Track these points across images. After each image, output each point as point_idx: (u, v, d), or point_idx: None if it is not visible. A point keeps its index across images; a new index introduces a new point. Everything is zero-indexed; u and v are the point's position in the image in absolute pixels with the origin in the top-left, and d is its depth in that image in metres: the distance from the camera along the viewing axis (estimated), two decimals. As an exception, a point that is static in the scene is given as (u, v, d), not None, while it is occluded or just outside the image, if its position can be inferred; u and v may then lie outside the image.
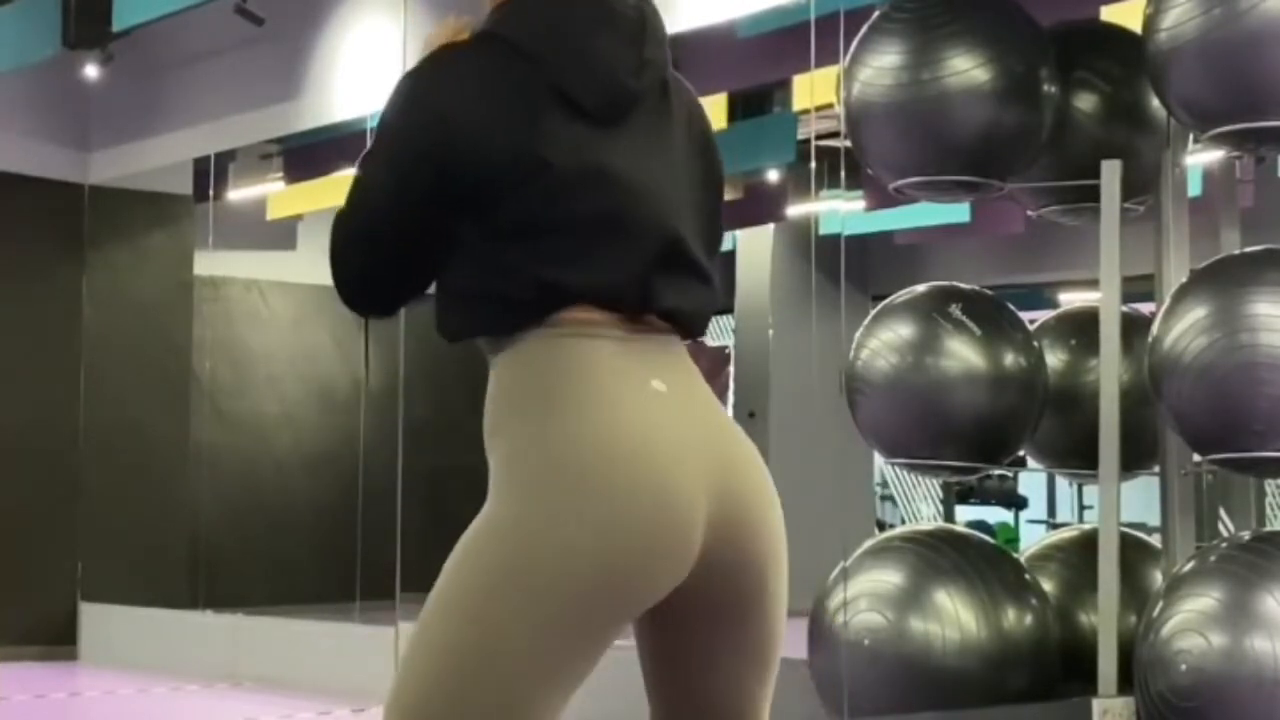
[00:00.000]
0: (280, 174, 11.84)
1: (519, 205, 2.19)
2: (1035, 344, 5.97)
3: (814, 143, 8.01)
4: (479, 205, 2.20)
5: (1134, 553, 5.71)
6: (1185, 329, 5.20)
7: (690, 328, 2.30)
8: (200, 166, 11.24)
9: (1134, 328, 5.65)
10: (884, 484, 16.31)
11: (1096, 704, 5.27)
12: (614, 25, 2.31)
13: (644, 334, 2.23)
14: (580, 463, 2.13)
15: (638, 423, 2.16)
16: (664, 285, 2.25)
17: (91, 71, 10.05)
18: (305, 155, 11.44)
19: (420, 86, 2.27)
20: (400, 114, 2.27)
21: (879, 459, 6.89)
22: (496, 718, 2.13)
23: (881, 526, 13.82)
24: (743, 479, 2.28)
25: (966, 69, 5.59)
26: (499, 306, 2.21)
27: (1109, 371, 5.54)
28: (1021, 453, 6.29)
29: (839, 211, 9.86)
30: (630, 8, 2.35)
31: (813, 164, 8.28)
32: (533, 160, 2.19)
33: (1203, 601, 5.07)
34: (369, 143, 2.35)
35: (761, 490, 2.33)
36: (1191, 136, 5.67)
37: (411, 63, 2.30)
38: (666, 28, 2.46)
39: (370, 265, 2.29)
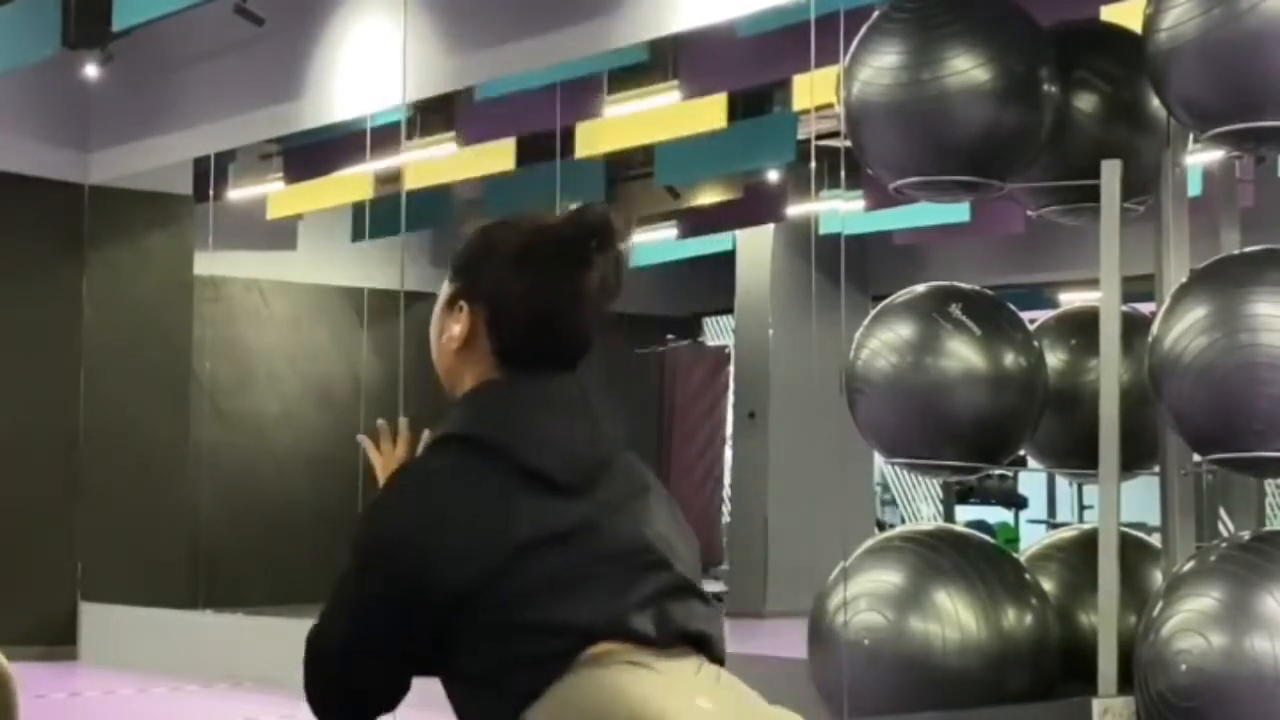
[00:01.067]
0: (280, 174, 11.84)
1: (517, 581, 2.20)
2: (1035, 344, 5.97)
3: (814, 143, 8.01)
4: (478, 601, 2.20)
5: (1134, 553, 5.71)
6: (1185, 329, 5.20)
7: (716, 649, 2.29)
8: (200, 166, 11.24)
9: (1134, 328, 5.65)
10: (884, 484, 16.31)
11: (1096, 704, 5.27)
12: (564, 406, 2.34)
13: (675, 658, 2.22)
14: None
15: None
16: (678, 611, 2.25)
17: (91, 71, 10.06)
18: (305, 155, 11.45)
19: (387, 517, 2.27)
20: (370, 549, 2.27)
21: (879, 459, 6.89)
22: None
23: (881, 526, 13.82)
24: None
25: (966, 69, 5.59)
26: (525, 669, 2.18)
27: (1109, 371, 5.54)
28: (1021, 453, 6.29)
29: (839, 211, 9.86)
30: (569, 387, 2.36)
31: (812, 164, 8.28)
32: (516, 550, 2.20)
33: (1203, 601, 5.07)
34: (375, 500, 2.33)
35: None
36: (1191, 136, 5.67)
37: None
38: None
39: (341, 694, 2.31)
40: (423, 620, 2.22)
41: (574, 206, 2.37)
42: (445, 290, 2.41)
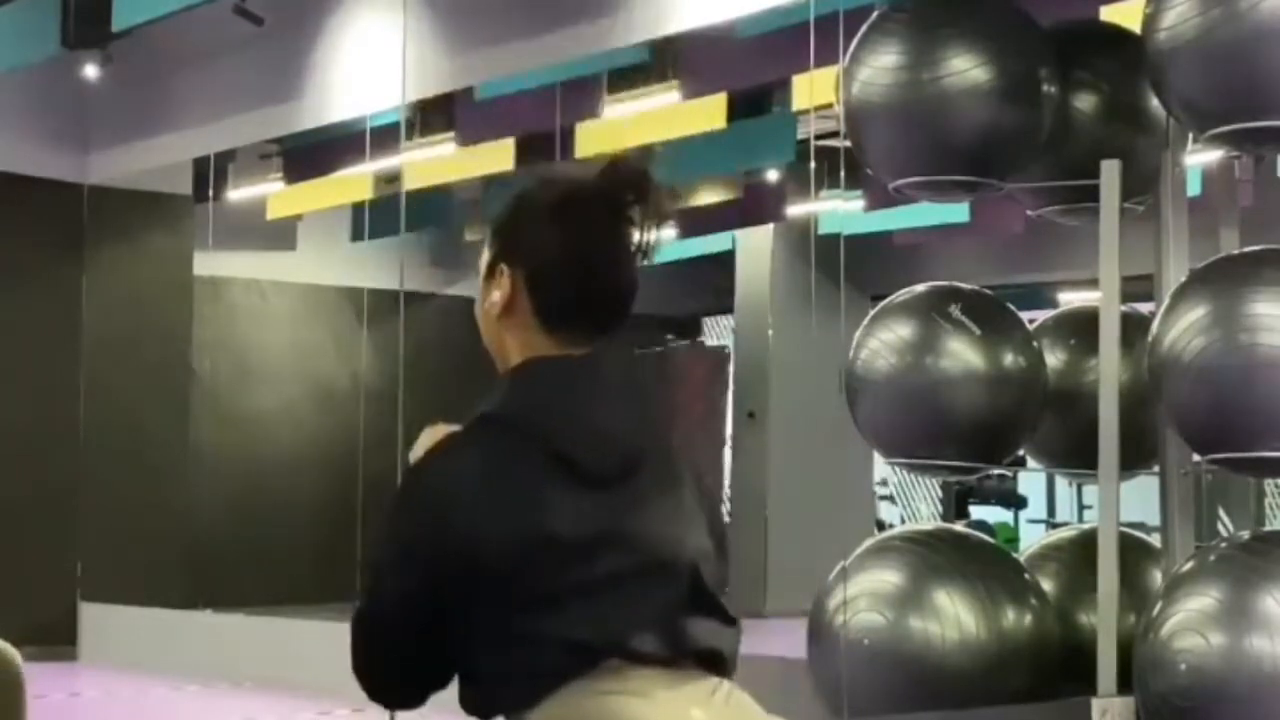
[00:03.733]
0: (280, 174, 11.84)
1: (535, 580, 2.20)
2: (1035, 344, 5.97)
3: (813, 143, 8.01)
4: (493, 588, 2.21)
5: (1134, 553, 5.71)
6: (1185, 329, 5.20)
7: (724, 666, 2.28)
8: (200, 166, 11.24)
9: (1134, 328, 5.65)
10: (884, 483, 16.31)
11: (1096, 704, 5.27)
12: (611, 393, 2.32)
13: (680, 675, 2.22)
14: None
15: None
16: (691, 627, 2.25)
17: (91, 71, 10.06)
18: (305, 155, 11.45)
19: (428, 483, 2.28)
20: (409, 513, 2.27)
21: (879, 459, 6.89)
22: None
23: (881, 526, 13.82)
24: None
25: (966, 69, 5.59)
26: (524, 676, 2.20)
27: (1109, 371, 5.54)
28: (1021, 453, 6.29)
29: (839, 211, 9.87)
30: (621, 373, 2.35)
31: (812, 164, 8.29)
32: (543, 538, 2.20)
33: (1202, 601, 5.07)
34: (386, 523, 2.33)
35: None
36: (1191, 136, 5.67)
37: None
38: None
39: (393, 665, 2.31)
40: (453, 590, 2.21)
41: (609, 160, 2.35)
42: (485, 258, 2.38)
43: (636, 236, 2.33)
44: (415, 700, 2.35)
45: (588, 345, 2.33)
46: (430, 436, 2.33)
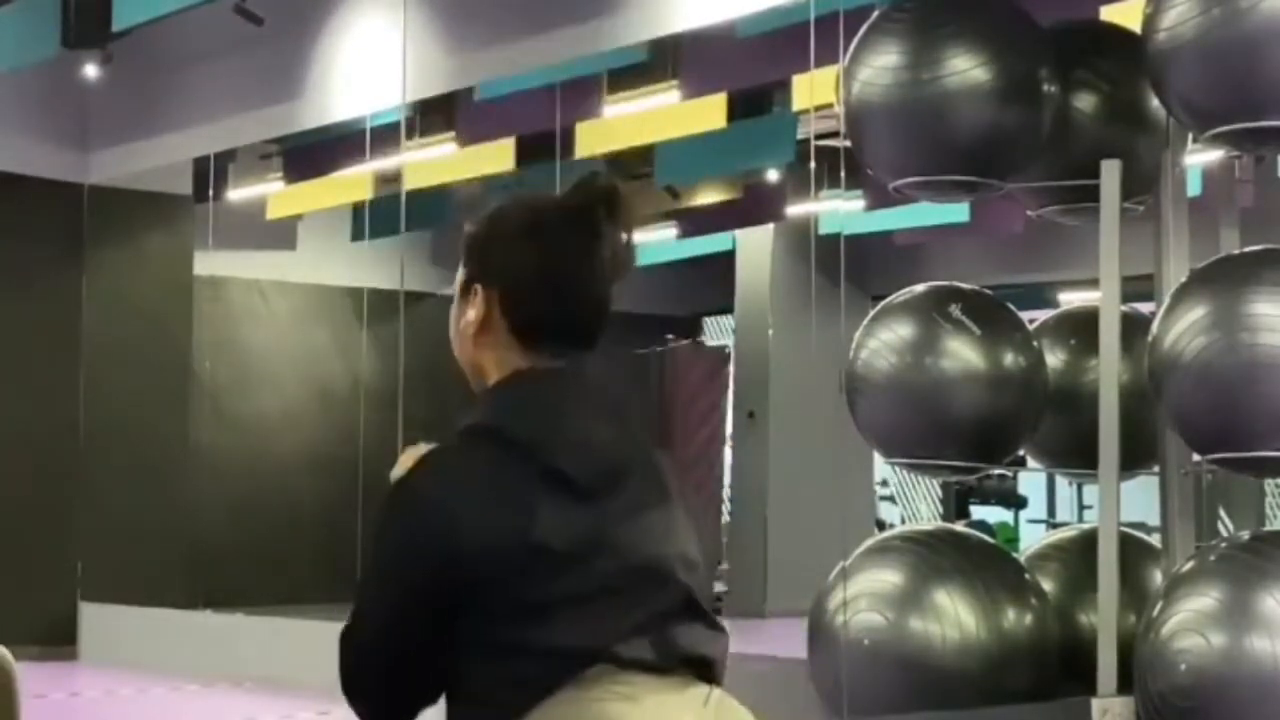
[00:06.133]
0: (280, 174, 11.84)
1: (522, 590, 2.20)
2: (1035, 344, 5.97)
3: (814, 143, 8.01)
4: (480, 599, 2.21)
5: (1134, 553, 5.71)
6: (1185, 329, 5.20)
7: (713, 671, 2.29)
8: (200, 166, 11.24)
9: (1134, 328, 5.65)
10: (884, 483, 16.31)
11: (1096, 704, 5.27)
12: (593, 403, 2.33)
13: (670, 683, 2.22)
14: None
15: None
16: (680, 634, 2.25)
17: (91, 71, 10.05)
18: (305, 155, 11.45)
19: (415, 497, 2.27)
20: (397, 526, 2.27)
21: (879, 459, 6.89)
22: None
23: (881, 526, 13.82)
24: None
25: (966, 69, 5.59)
26: (514, 687, 2.19)
27: (1109, 371, 5.54)
28: (1021, 452, 6.29)
29: (839, 211, 9.86)
30: (600, 386, 2.36)
31: (812, 164, 8.28)
32: (532, 548, 2.20)
33: (1202, 601, 5.07)
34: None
35: None
36: (1191, 136, 5.67)
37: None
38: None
39: (383, 682, 2.30)
40: (443, 602, 2.21)
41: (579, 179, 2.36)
42: (459, 278, 2.39)
43: (609, 250, 2.33)
44: (406, 717, 2.35)
45: (565, 360, 2.34)
46: (411, 456, 2.33)
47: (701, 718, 2.21)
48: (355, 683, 2.31)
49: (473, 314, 2.35)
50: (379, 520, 2.29)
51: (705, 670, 2.27)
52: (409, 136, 9.58)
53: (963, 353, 5.75)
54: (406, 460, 2.32)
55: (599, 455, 2.28)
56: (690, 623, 2.27)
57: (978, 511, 15.10)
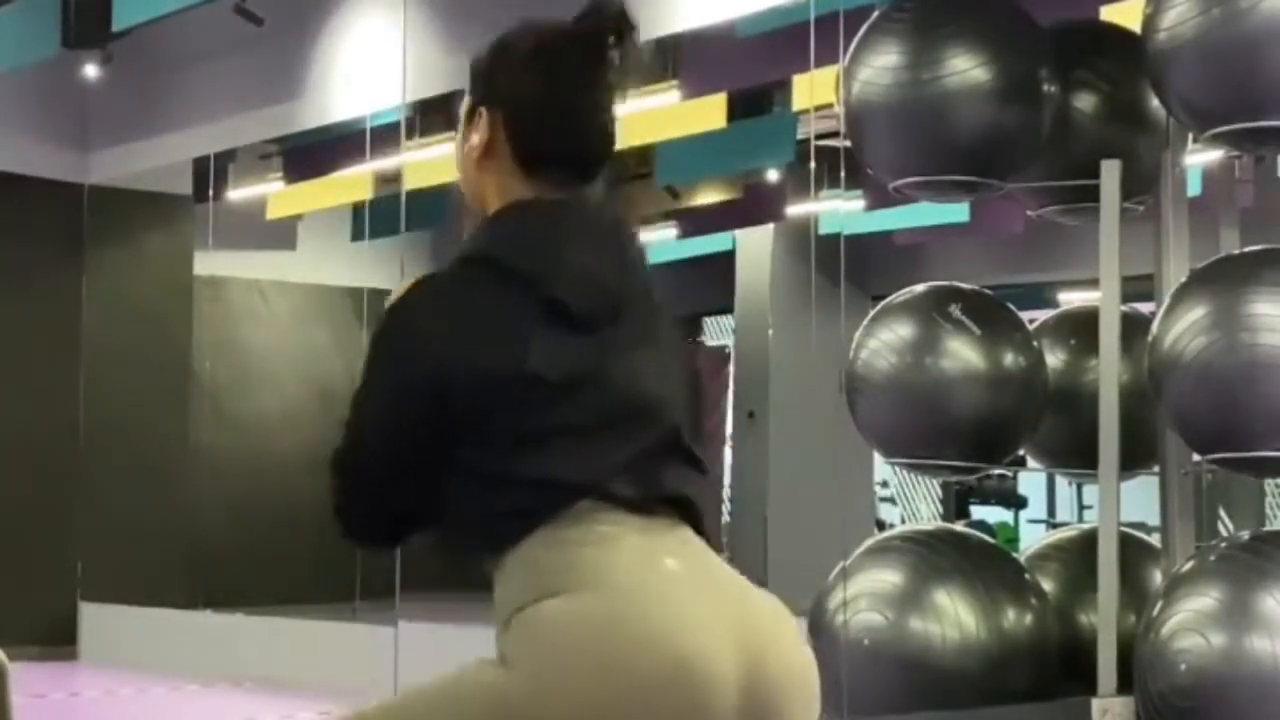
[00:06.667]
0: (280, 174, 11.84)
1: (516, 420, 2.20)
2: (1035, 344, 5.97)
3: (814, 143, 8.01)
4: (473, 425, 2.20)
5: (1134, 553, 5.71)
6: (1185, 329, 5.20)
7: (696, 514, 2.28)
8: (200, 166, 11.24)
9: (1134, 328, 5.65)
10: (885, 484, 16.32)
11: (1096, 704, 5.27)
12: (596, 237, 2.30)
13: (653, 521, 2.22)
14: (600, 649, 2.09)
15: (659, 606, 2.14)
16: (664, 474, 2.24)
17: (91, 71, 10.06)
18: (305, 155, 11.45)
19: (409, 319, 2.26)
20: (390, 348, 2.27)
21: (879, 459, 6.89)
22: None
23: (881, 526, 13.82)
24: (774, 653, 2.23)
25: (966, 69, 5.59)
26: (499, 516, 2.20)
27: (1109, 371, 5.54)
28: (1021, 453, 6.29)
29: (839, 211, 9.86)
30: (608, 220, 2.34)
31: (812, 164, 8.28)
32: (526, 378, 2.19)
33: (1202, 601, 5.07)
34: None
35: (792, 658, 2.27)
36: (1191, 136, 5.67)
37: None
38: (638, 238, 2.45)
39: (371, 500, 2.29)
40: (432, 425, 2.20)
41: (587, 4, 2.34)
42: (465, 104, 2.38)
43: (616, 76, 2.31)
44: (391, 539, 2.34)
45: (568, 191, 2.31)
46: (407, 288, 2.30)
47: (683, 561, 2.20)
48: (343, 499, 2.30)
49: (477, 138, 2.34)
50: (372, 340, 2.28)
51: (688, 510, 2.26)
52: (409, 136, 9.58)
53: (963, 353, 5.75)
54: (403, 291, 2.30)
55: (598, 287, 2.25)
56: (677, 462, 2.26)
57: (978, 511, 15.10)
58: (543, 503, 2.17)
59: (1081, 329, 5.98)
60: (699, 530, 2.28)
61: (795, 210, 12.11)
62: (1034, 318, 6.36)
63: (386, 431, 2.26)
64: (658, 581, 2.16)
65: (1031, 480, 14.86)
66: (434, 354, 2.21)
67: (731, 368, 14.59)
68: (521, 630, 2.13)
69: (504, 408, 2.19)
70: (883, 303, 6.05)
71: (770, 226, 13.49)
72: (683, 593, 2.17)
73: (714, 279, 14.63)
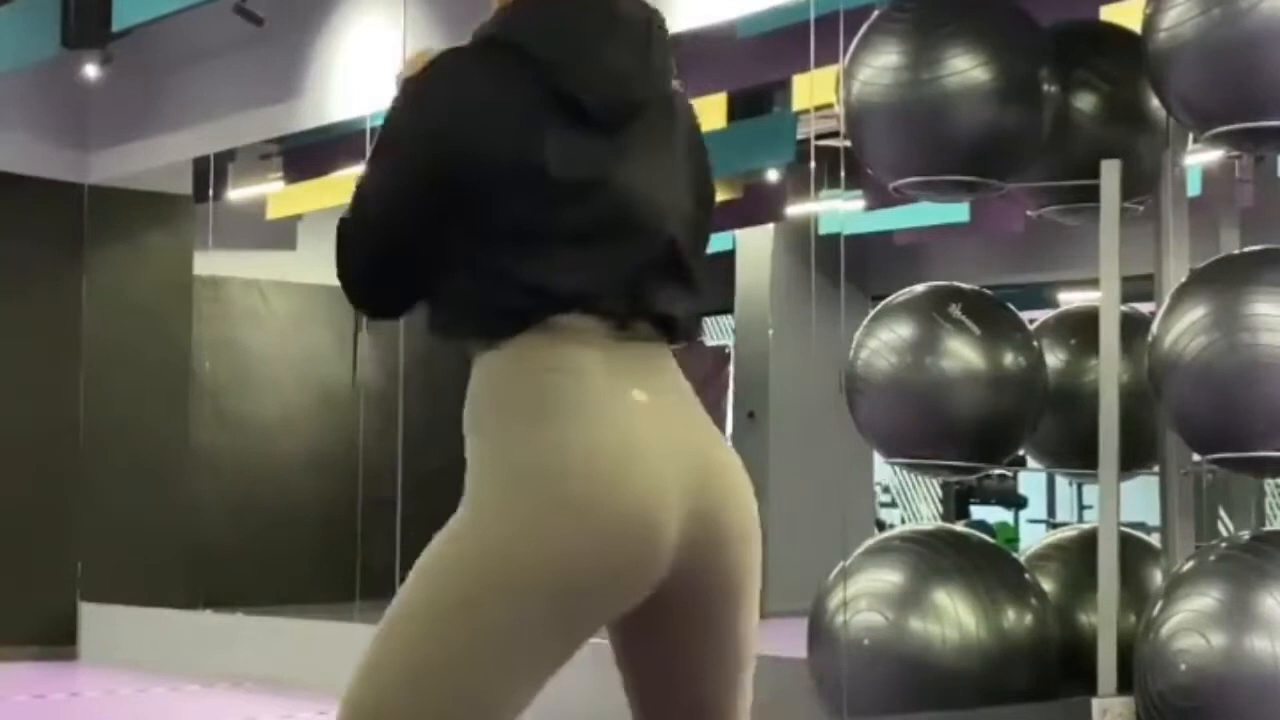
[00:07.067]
0: (280, 174, 11.84)
1: (515, 212, 2.19)
2: (1035, 344, 5.97)
3: (814, 143, 8.00)
4: (475, 211, 2.20)
5: (1134, 552, 5.71)
6: (1185, 329, 5.20)
7: (679, 333, 2.29)
8: (200, 166, 11.24)
9: (1134, 328, 5.65)
10: (885, 489, 16.31)
11: (1096, 704, 5.27)
12: (623, 31, 2.28)
13: (631, 341, 2.23)
14: (556, 476, 2.13)
15: (617, 437, 2.16)
16: (654, 291, 2.24)
17: (91, 71, 10.05)
18: (305, 155, 11.45)
19: (422, 93, 2.24)
20: (401, 120, 2.26)
21: (879, 459, 6.89)
22: None
23: (881, 526, 13.82)
24: (721, 491, 2.32)
25: (966, 69, 5.59)
26: (489, 311, 2.21)
27: (1109, 371, 5.54)
28: (1021, 453, 6.29)
29: (839, 211, 9.86)
30: (639, 15, 2.32)
31: (812, 164, 8.27)
32: (531, 169, 2.17)
33: (1202, 601, 5.07)
34: (370, 145, 2.35)
35: (738, 499, 2.36)
36: (1191, 136, 5.67)
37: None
38: (669, 33, 2.44)
39: (372, 267, 2.30)
40: (436, 200, 2.20)
41: None
42: None
43: None
44: (393, 307, 2.34)
45: None
46: (421, 58, 2.29)
47: (649, 394, 2.21)
48: (347, 262, 2.31)
49: None
50: (387, 112, 2.27)
51: (669, 328, 2.27)
52: (409, 136, 9.57)
53: (963, 353, 5.76)
54: (416, 60, 2.28)
55: (617, 86, 2.23)
56: (668, 280, 2.26)
57: (978, 511, 15.09)
58: (535, 308, 2.18)
59: (1081, 329, 5.98)
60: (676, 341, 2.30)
61: (795, 210, 12.11)
62: (1034, 318, 6.36)
63: (385, 206, 2.26)
64: (622, 414, 2.17)
65: (1031, 480, 14.86)
66: (431, 133, 2.21)
67: (731, 368, 14.59)
68: (482, 468, 2.17)
69: (503, 197, 2.18)
70: (883, 303, 6.05)
71: (770, 226, 13.49)
72: (643, 428, 2.19)
73: (714, 279, 14.61)
